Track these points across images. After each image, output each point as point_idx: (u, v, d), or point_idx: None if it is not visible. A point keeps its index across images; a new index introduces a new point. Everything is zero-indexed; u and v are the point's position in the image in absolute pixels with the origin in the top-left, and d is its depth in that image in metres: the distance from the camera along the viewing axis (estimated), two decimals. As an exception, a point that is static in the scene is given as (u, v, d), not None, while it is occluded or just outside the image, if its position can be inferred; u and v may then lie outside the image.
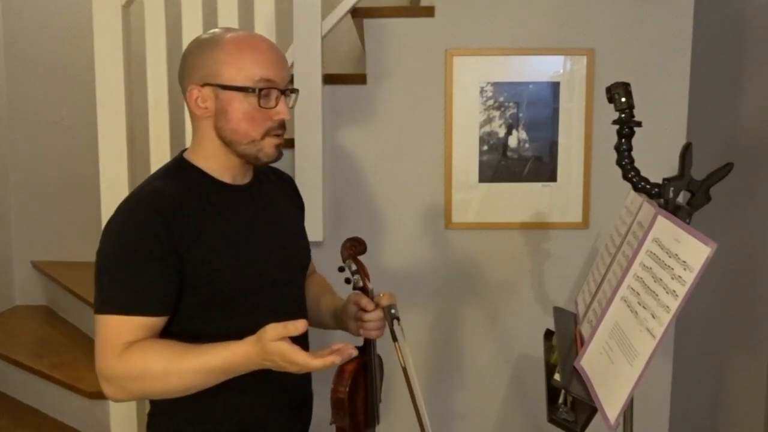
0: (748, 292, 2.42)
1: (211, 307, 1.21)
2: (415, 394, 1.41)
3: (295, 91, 1.29)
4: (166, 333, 1.20)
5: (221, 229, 1.23)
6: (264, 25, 2.01)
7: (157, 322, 1.17)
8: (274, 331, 1.09)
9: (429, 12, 2.16)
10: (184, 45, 1.99)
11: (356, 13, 2.17)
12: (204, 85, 1.21)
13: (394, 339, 1.41)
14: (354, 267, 1.42)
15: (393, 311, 1.41)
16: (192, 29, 2.00)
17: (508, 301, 2.27)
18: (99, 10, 2.01)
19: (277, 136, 1.24)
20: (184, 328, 1.20)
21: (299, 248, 1.43)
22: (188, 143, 2.01)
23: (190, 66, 1.23)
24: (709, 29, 2.40)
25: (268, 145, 1.23)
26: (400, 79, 2.18)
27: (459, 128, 2.19)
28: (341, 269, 1.44)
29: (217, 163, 1.26)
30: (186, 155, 1.30)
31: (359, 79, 2.18)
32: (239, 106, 1.20)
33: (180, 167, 1.28)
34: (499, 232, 2.24)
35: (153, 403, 1.32)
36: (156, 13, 2.02)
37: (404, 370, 1.41)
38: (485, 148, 2.20)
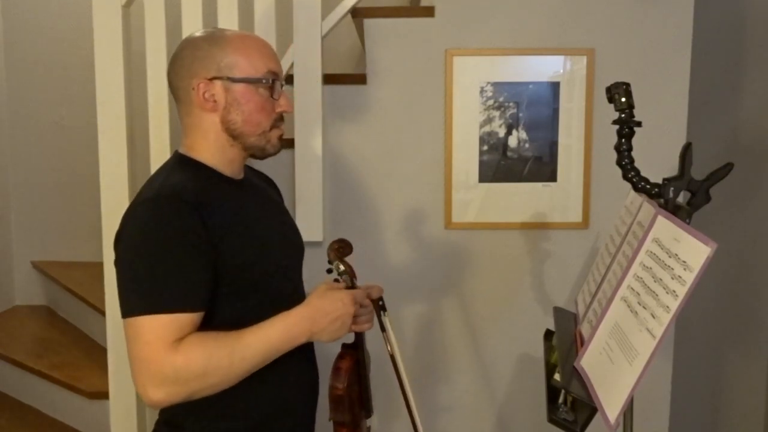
0: (748, 292, 2.42)
1: (238, 297, 1.23)
2: (402, 381, 1.50)
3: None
4: (203, 328, 1.18)
5: (240, 218, 1.26)
6: (264, 25, 2.01)
7: (200, 317, 1.16)
8: (329, 283, 1.28)
9: (429, 12, 2.16)
10: (184, 45, 2.00)
11: (356, 13, 2.17)
12: (212, 79, 1.22)
13: (383, 329, 1.49)
14: (342, 268, 1.44)
15: (381, 302, 1.47)
16: (192, 29, 1.99)
17: (508, 301, 2.27)
18: (99, 10, 2.01)
19: (280, 128, 1.29)
20: (217, 322, 1.19)
21: (299, 238, 1.49)
22: (188, 143, 2.02)
23: (191, 62, 1.24)
24: (709, 29, 2.40)
25: (274, 136, 1.29)
26: (400, 79, 2.18)
27: (459, 128, 2.19)
28: (329, 271, 1.47)
29: (220, 158, 1.28)
30: (184, 152, 1.29)
31: (359, 79, 2.18)
32: (252, 98, 1.24)
33: (184, 164, 1.27)
34: (499, 232, 2.24)
35: (162, 411, 1.30)
36: (156, 13, 2.02)
37: (392, 357, 1.49)
38: (485, 148, 2.20)
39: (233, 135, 1.26)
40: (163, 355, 1.09)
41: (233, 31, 1.29)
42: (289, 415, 1.35)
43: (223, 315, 1.21)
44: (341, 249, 1.47)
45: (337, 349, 1.52)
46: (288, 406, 1.35)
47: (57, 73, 3.35)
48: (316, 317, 1.21)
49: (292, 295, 1.32)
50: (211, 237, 1.16)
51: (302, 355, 1.34)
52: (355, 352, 1.50)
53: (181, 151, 1.30)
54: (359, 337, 1.49)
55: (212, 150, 1.27)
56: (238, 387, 1.19)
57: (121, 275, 1.15)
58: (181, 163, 1.28)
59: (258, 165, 1.48)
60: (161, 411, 1.29)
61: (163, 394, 1.11)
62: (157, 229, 1.14)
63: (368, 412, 1.55)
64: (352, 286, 1.42)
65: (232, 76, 1.22)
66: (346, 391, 1.45)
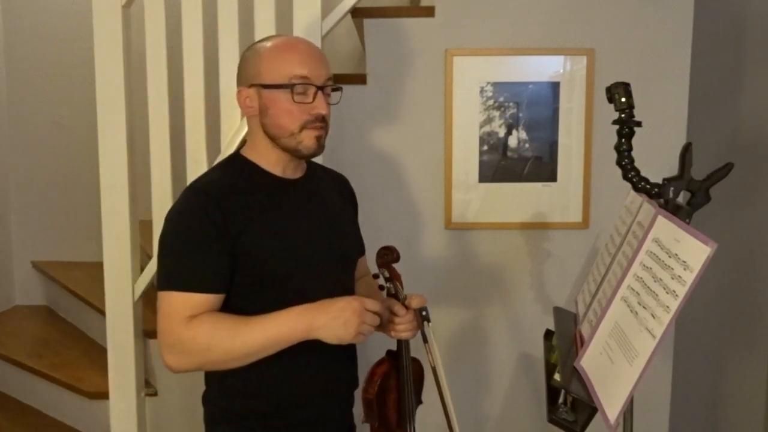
0: (748, 292, 2.42)
1: (259, 288, 1.32)
2: (443, 394, 1.47)
3: (338, 88, 1.40)
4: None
5: (270, 215, 1.34)
6: (264, 25, 2.01)
7: (216, 299, 1.29)
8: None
9: (429, 12, 2.16)
10: (185, 45, 2.01)
11: (356, 13, 2.17)
12: (250, 86, 1.35)
13: (425, 340, 1.47)
14: (387, 274, 1.48)
15: (424, 313, 1.47)
16: (192, 29, 2.00)
17: (508, 301, 2.27)
18: (99, 10, 2.01)
19: (316, 128, 1.34)
20: (236, 308, 1.30)
21: (347, 241, 1.51)
22: (188, 143, 2.03)
23: (240, 71, 1.38)
24: (709, 29, 2.40)
25: (307, 137, 1.34)
26: (400, 79, 2.18)
27: (459, 128, 2.19)
28: (376, 276, 1.51)
29: (267, 158, 1.38)
30: (242, 152, 1.42)
31: (359, 79, 2.18)
32: (278, 103, 1.32)
33: (235, 161, 1.40)
34: (499, 232, 2.24)
35: (206, 382, 1.43)
36: (156, 13, 2.02)
37: (434, 369, 1.47)
38: (485, 148, 2.20)
39: (270, 137, 1.35)
40: (174, 327, 1.25)
41: (275, 40, 1.37)
42: (308, 406, 1.39)
43: (242, 305, 1.30)
44: (387, 256, 1.51)
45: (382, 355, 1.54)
46: (307, 394, 1.38)
47: (57, 73, 3.35)
48: (315, 313, 1.27)
49: (320, 298, 1.31)
50: (232, 229, 1.27)
51: (332, 351, 1.35)
52: (393, 360, 1.51)
53: (241, 150, 1.43)
54: (400, 345, 1.50)
55: (260, 151, 1.38)
56: (258, 370, 1.29)
57: (158, 253, 1.32)
58: (232, 160, 1.41)
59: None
60: (205, 382, 1.43)
61: (173, 361, 1.27)
62: (182, 218, 1.30)
63: (408, 423, 1.53)
64: (396, 292, 1.46)
65: (262, 83, 1.33)
66: (376, 396, 1.48)
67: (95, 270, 2.39)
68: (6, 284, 3.43)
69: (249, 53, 1.37)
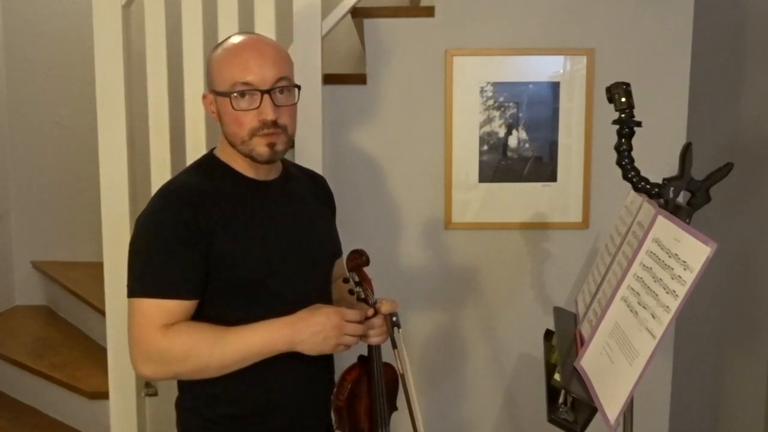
0: (748, 292, 2.42)
1: (233, 293, 1.29)
2: (411, 401, 1.45)
3: (296, 86, 1.32)
4: (195, 319, 1.27)
5: (245, 219, 1.30)
6: (264, 25, 2.01)
7: (190, 306, 1.25)
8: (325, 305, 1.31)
9: (429, 12, 2.16)
10: (185, 45, 2.00)
11: (356, 13, 2.17)
12: (211, 91, 1.33)
13: (394, 346, 1.45)
14: (357, 278, 1.44)
15: (394, 318, 1.44)
16: (192, 29, 2.00)
17: (508, 301, 2.27)
18: (99, 10, 2.01)
19: (267, 135, 1.27)
20: (211, 314, 1.28)
21: (323, 244, 1.47)
22: (188, 143, 2.03)
23: (205, 75, 1.39)
24: (709, 29, 2.40)
25: (258, 144, 1.28)
26: (400, 79, 2.18)
27: (459, 128, 2.19)
28: (345, 280, 1.47)
29: (239, 161, 1.34)
30: (215, 152, 1.39)
31: (359, 79, 2.19)
32: (226, 110, 1.29)
33: (208, 163, 1.37)
34: (499, 233, 2.24)
35: (179, 388, 1.40)
36: (156, 13, 2.02)
37: (401, 376, 1.45)
38: (485, 148, 2.20)
39: (229, 143, 1.33)
40: (150, 336, 1.22)
41: (227, 44, 1.31)
42: (283, 411, 1.36)
43: (215, 312, 1.27)
44: (357, 260, 1.46)
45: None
46: (280, 399, 1.35)
47: (57, 73, 3.35)
48: (298, 327, 1.26)
49: (296, 301, 1.30)
50: (205, 231, 1.24)
51: (309, 357, 1.33)
52: (364, 366, 1.48)
53: (215, 150, 1.40)
54: (371, 350, 1.47)
55: (229, 154, 1.35)
56: (234, 376, 1.26)
57: (128, 258, 1.28)
58: (206, 161, 1.38)
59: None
60: (178, 388, 1.41)
61: (148, 371, 1.24)
62: (154, 222, 1.27)
63: (377, 428, 1.49)
64: (366, 297, 1.42)
65: (215, 90, 1.31)
66: (346, 402, 1.44)
67: (95, 270, 2.39)
68: (6, 284, 3.43)
69: (209, 57, 1.34)
